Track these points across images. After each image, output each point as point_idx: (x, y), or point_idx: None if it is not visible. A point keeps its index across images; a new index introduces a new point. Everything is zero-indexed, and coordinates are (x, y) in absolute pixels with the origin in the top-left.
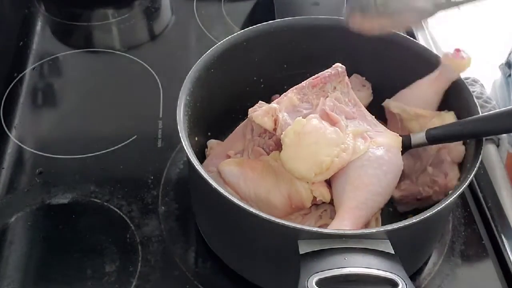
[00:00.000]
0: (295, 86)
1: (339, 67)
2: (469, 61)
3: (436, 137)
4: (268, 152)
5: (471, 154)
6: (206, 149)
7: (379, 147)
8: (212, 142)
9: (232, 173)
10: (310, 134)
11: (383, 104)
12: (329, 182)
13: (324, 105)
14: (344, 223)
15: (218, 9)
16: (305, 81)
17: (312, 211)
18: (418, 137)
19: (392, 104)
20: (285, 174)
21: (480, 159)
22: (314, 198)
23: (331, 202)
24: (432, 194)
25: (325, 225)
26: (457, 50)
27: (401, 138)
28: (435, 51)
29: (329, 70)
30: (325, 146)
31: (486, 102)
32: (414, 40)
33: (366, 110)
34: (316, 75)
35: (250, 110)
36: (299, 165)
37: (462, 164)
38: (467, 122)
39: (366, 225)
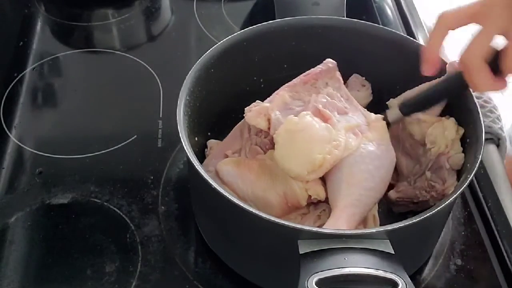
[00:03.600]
0: (286, 84)
1: (329, 62)
2: None
3: (409, 108)
4: (265, 150)
5: (471, 155)
6: (206, 149)
7: (371, 142)
8: (212, 142)
9: (230, 173)
10: (302, 132)
11: (387, 103)
12: (324, 180)
13: (316, 102)
14: (339, 221)
15: (218, 9)
16: (296, 79)
17: (310, 211)
18: (393, 113)
19: (395, 105)
20: (281, 173)
21: (480, 159)
22: (309, 196)
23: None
24: (429, 198)
25: (324, 225)
26: None
27: (385, 124)
28: None
29: (320, 66)
30: (317, 143)
31: (486, 102)
32: (414, 40)
33: (357, 103)
34: (307, 71)
35: (246, 109)
36: (292, 164)
37: (462, 165)
38: (437, 84)
39: (364, 223)
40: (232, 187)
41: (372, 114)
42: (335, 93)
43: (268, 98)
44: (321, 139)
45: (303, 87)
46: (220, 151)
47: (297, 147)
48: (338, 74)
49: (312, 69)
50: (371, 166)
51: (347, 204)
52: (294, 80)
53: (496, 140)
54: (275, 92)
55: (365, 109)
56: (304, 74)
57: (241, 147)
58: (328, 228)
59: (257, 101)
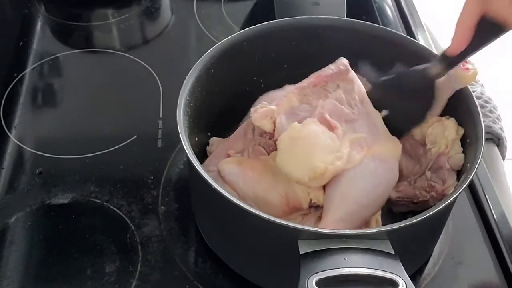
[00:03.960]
0: (296, 86)
1: (341, 64)
2: (475, 75)
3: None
4: (269, 152)
5: (471, 155)
6: (207, 147)
7: (375, 158)
8: (214, 140)
9: (232, 172)
10: (305, 140)
11: None
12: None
13: (323, 108)
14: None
15: (218, 9)
16: (306, 80)
17: (311, 212)
18: (436, 67)
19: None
20: (283, 174)
21: (480, 159)
22: (311, 200)
23: None
24: (428, 199)
25: None
26: (464, 61)
27: (400, 145)
28: (435, 51)
29: (332, 67)
30: (320, 152)
31: (486, 102)
32: (415, 40)
33: (372, 107)
34: (318, 72)
35: (252, 110)
36: (294, 170)
37: (462, 165)
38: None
39: (367, 225)
40: (234, 186)
41: (386, 130)
42: (344, 98)
43: (275, 102)
44: (323, 148)
45: (312, 90)
46: (223, 151)
47: (299, 153)
48: (350, 75)
49: (323, 69)
50: (369, 185)
51: (337, 217)
52: (303, 81)
53: (496, 140)
54: (284, 93)
55: (379, 115)
56: (314, 75)
57: (244, 147)
58: (330, 229)
59: (263, 102)
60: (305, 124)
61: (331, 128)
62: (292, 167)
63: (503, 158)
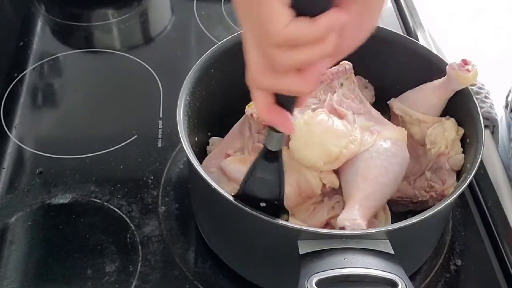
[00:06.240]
0: None
1: (346, 64)
2: (475, 76)
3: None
4: None
5: (471, 155)
6: (207, 147)
7: (386, 140)
8: (214, 139)
9: (237, 169)
10: (319, 125)
11: (388, 102)
12: (336, 172)
13: (332, 100)
14: (354, 213)
15: (218, 9)
16: None
17: (325, 202)
18: None
19: (395, 105)
20: (292, 165)
21: (479, 159)
22: (324, 185)
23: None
24: (428, 199)
25: (337, 216)
26: (464, 62)
27: (406, 131)
28: (435, 51)
29: (336, 67)
30: (334, 136)
31: (480, 89)
32: (416, 41)
33: (371, 106)
34: (324, 72)
35: (247, 107)
36: (308, 154)
37: (462, 165)
38: None
39: (375, 216)
40: (240, 182)
41: (389, 122)
42: (350, 94)
43: None
44: (337, 133)
45: (319, 86)
46: (220, 151)
47: (313, 138)
48: (353, 76)
49: (329, 69)
50: (386, 163)
51: (362, 196)
52: None
53: (491, 127)
54: None
55: (379, 114)
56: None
57: (243, 146)
58: (330, 230)
59: None
60: (317, 112)
61: (341, 116)
62: (307, 152)
63: (497, 144)
